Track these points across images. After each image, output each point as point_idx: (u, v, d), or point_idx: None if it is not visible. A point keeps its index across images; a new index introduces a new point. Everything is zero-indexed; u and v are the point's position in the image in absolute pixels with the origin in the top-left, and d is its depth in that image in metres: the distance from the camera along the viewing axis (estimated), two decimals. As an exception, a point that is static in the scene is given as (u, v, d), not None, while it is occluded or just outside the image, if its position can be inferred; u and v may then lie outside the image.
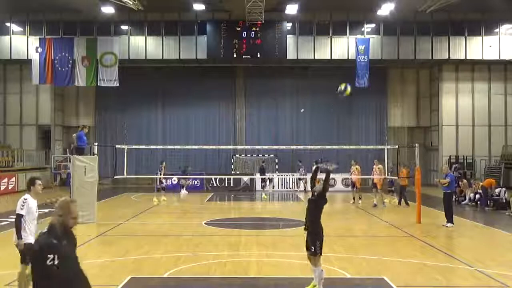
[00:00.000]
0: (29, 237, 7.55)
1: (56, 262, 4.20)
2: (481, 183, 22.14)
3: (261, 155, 32.79)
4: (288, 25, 31.08)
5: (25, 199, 7.53)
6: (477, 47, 31.24)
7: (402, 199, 21.61)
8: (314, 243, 8.22)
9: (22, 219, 7.48)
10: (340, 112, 34.05)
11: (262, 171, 27.71)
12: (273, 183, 30.26)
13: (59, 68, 29.72)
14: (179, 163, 31.70)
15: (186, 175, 28.55)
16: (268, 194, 27.43)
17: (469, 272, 9.82)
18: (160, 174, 24.22)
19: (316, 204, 8.40)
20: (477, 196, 21.75)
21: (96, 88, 31.96)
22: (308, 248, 8.33)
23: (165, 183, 25.09)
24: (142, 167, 32.10)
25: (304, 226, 8.61)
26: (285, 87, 34.09)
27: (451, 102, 33.20)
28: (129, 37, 31.41)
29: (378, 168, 21.57)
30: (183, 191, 27.86)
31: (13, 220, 17.41)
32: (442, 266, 10.41)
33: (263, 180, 28.21)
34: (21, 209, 7.47)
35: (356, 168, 22.24)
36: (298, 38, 31.34)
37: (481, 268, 10.03)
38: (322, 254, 8.34)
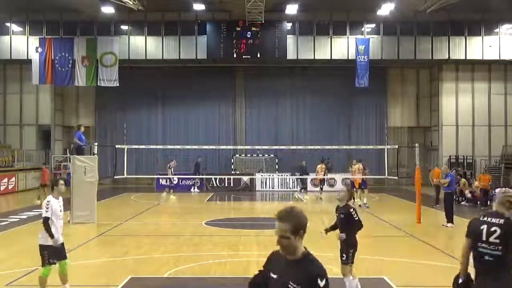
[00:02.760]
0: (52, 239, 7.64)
1: None
2: (477, 182, 22.08)
3: (261, 155, 32.78)
4: (288, 25, 31.07)
5: (48, 201, 7.72)
6: (477, 47, 31.23)
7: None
8: (347, 251, 7.90)
9: (49, 221, 7.64)
10: (340, 112, 34.07)
11: (303, 171, 27.04)
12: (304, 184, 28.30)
13: (59, 68, 29.70)
14: (179, 163, 31.69)
15: (199, 169, 28.43)
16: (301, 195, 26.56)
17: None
18: (171, 173, 25.34)
19: (348, 222, 7.94)
20: (469, 195, 21.80)
21: (96, 88, 31.94)
22: (340, 257, 8.01)
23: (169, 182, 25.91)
24: (142, 167, 32.15)
25: (325, 229, 8.33)
26: (285, 87, 34.05)
27: (451, 102, 33.20)
28: (129, 37, 31.40)
29: (359, 168, 21.86)
30: (195, 190, 28.39)
31: (14, 220, 17.44)
32: (442, 266, 10.40)
33: (302, 181, 27.55)
34: (46, 211, 7.65)
35: (357, 168, 22.21)
36: (298, 38, 31.32)
37: (481, 268, 10.01)
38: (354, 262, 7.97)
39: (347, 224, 7.89)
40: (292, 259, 3.29)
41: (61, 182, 7.91)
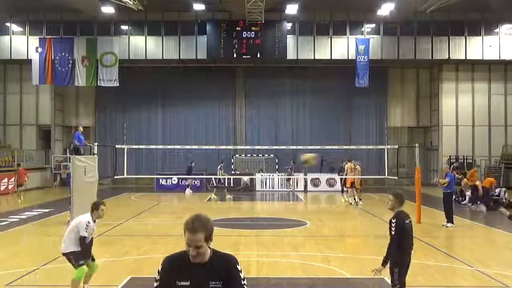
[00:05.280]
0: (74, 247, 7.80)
1: None
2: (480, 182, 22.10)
3: (261, 155, 32.77)
4: (288, 25, 31.07)
5: (88, 222, 7.77)
6: (477, 47, 31.24)
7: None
8: (392, 271, 6.62)
9: (85, 241, 7.73)
10: (340, 112, 34.07)
11: (342, 171, 24.23)
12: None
13: (59, 68, 29.69)
14: (179, 163, 31.72)
15: (191, 173, 28.43)
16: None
17: (469, 272, 9.83)
18: (220, 174, 25.93)
19: (390, 226, 6.67)
20: (469, 194, 21.81)
21: (96, 88, 31.95)
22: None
23: (215, 183, 26.41)
24: (142, 167, 32.16)
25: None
26: (285, 87, 34.07)
27: (451, 102, 33.20)
28: (129, 37, 31.40)
29: (351, 167, 21.73)
30: (188, 190, 28.03)
31: (14, 220, 17.43)
32: (442, 266, 10.41)
33: (345, 182, 23.50)
34: (85, 231, 7.71)
35: (350, 167, 22.12)
36: (298, 38, 31.33)
37: (481, 268, 10.03)
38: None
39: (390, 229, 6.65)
40: (203, 262, 3.33)
41: (102, 207, 7.83)
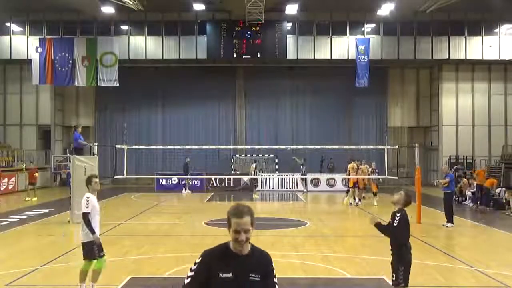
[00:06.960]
0: (90, 235, 7.83)
1: None
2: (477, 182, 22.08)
3: (261, 155, 32.77)
4: (288, 25, 31.08)
5: (87, 197, 7.85)
6: (477, 47, 31.24)
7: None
8: (396, 269, 6.61)
9: (89, 216, 7.77)
10: (340, 112, 34.08)
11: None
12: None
13: (59, 68, 29.69)
14: (179, 163, 31.69)
15: (188, 170, 28.34)
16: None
17: (469, 272, 9.83)
18: (255, 174, 25.85)
19: (393, 218, 6.72)
20: (470, 194, 21.76)
21: (96, 88, 31.96)
22: (391, 276, 6.77)
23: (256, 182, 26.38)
24: (142, 167, 32.16)
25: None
26: (285, 87, 34.08)
27: (451, 102, 33.21)
28: (129, 37, 31.41)
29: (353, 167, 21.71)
30: (187, 190, 28.01)
31: (14, 220, 17.43)
32: (442, 266, 10.41)
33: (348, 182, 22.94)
34: (87, 207, 7.79)
35: (361, 169, 22.10)
36: (298, 38, 31.34)
37: (481, 268, 10.04)
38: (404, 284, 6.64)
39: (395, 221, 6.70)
40: (244, 254, 3.37)
41: (95, 180, 7.95)
